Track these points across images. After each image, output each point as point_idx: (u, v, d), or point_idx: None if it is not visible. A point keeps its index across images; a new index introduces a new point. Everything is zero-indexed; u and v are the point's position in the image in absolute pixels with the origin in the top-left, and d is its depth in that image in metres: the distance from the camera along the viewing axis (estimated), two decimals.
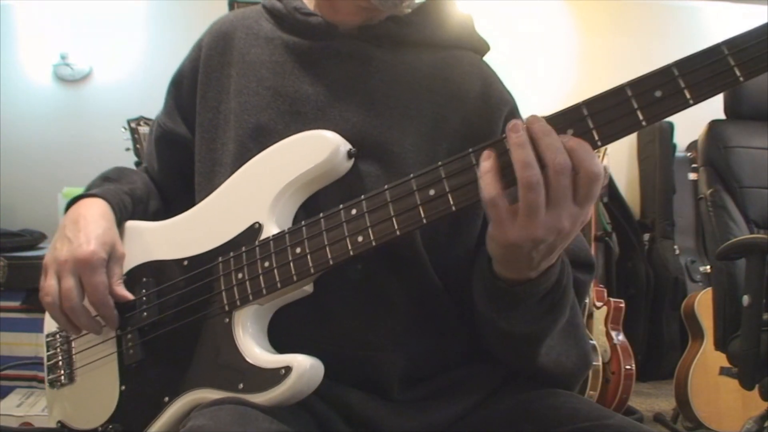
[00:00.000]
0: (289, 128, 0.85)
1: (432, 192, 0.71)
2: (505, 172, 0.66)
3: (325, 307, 0.81)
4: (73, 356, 0.92)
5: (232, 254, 0.82)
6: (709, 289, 2.11)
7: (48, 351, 0.95)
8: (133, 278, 0.88)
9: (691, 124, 2.30)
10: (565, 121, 0.66)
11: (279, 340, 0.80)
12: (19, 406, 2.28)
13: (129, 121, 2.44)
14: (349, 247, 0.75)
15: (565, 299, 0.78)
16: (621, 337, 2.62)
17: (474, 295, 0.81)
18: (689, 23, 3.59)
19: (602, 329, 2.60)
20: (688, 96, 0.63)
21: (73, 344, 0.93)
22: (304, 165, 0.81)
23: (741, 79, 0.61)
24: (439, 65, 0.89)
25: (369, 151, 0.83)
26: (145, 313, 0.86)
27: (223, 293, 0.81)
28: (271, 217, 0.81)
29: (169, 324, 0.84)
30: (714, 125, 2.10)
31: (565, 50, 3.51)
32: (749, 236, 1.88)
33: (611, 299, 2.66)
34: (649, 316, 3.22)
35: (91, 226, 0.86)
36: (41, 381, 2.34)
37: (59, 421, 0.92)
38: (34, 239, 2.68)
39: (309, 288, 0.80)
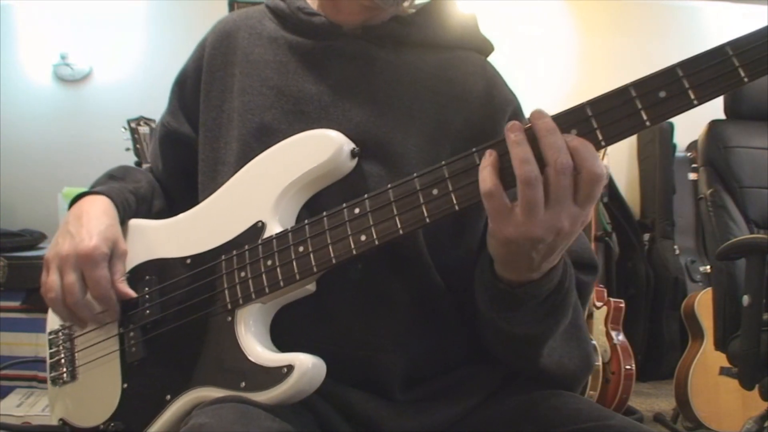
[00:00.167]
0: (292, 127, 0.85)
1: (435, 191, 0.71)
2: (507, 172, 0.67)
3: (325, 306, 0.81)
4: (76, 354, 0.92)
5: (234, 253, 0.82)
6: (709, 289, 2.12)
7: (50, 349, 0.95)
8: (135, 276, 0.89)
9: (691, 124, 2.30)
10: (569, 120, 0.66)
11: (279, 340, 0.80)
12: (19, 406, 2.28)
13: (129, 121, 2.44)
14: (352, 246, 0.75)
15: (568, 301, 0.78)
16: (621, 337, 2.62)
17: (475, 296, 0.81)
18: (689, 23, 3.59)
19: (602, 329, 2.60)
20: (692, 96, 0.63)
21: (75, 342, 0.93)
22: (307, 164, 0.81)
23: (746, 79, 0.61)
24: (443, 66, 0.89)
25: (372, 150, 0.83)
26: (147, 311, 0.86)
27: (226, 291, 0.81)
28: (274, 216, 0.81)
29: (171, 322, 0.84)
30: (714, 125, 2.11)
31: (566, 50, 3.51)
32: (749, 236, 1.88)
33: (611, 299, 2.66)
34: (649, 316, 3.22)
35: (93, 222, 0.86)
36: (41, 381, 2.35)
37: (61, 419, 0.92)
38: (34, 239, 2.68)
39: (312, 287, 0.80)
